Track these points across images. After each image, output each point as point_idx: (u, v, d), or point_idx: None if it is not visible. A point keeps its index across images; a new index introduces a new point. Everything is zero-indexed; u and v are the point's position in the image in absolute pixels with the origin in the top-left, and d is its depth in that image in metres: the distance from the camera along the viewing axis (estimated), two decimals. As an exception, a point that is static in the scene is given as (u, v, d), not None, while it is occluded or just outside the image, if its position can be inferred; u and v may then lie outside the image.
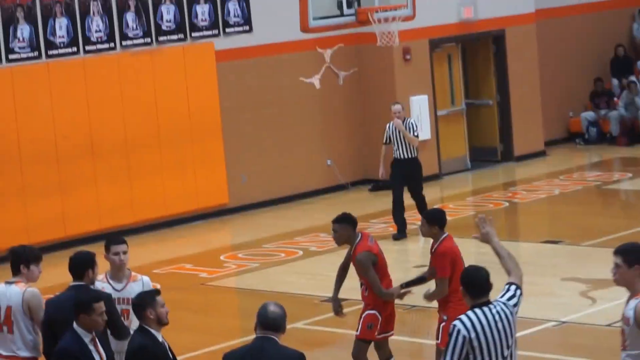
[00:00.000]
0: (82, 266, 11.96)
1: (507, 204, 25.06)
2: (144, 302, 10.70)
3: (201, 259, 21.56)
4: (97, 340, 10.65)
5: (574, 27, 31.08)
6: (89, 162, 23.11)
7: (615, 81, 31.73)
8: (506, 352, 9.61)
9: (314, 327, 16.72)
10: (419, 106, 26.87)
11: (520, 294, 9.90)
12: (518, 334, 15.33)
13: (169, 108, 24.12)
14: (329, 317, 16.64)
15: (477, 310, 9.47)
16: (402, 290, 13.36)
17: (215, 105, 24.82)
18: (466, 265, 11.13)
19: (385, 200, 24.98)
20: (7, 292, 11.87)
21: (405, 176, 21.90)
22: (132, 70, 23.72)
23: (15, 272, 11.90)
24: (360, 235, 13.42)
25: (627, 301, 9.63)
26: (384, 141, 22.17)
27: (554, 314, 16.32)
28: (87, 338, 10.52)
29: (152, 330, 10.42)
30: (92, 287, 11.78)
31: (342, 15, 19.75)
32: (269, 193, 25.63)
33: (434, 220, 13.12)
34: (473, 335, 9.29)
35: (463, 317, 9.42)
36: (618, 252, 9.98)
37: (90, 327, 10.56)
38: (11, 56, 22.43)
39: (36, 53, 22.70)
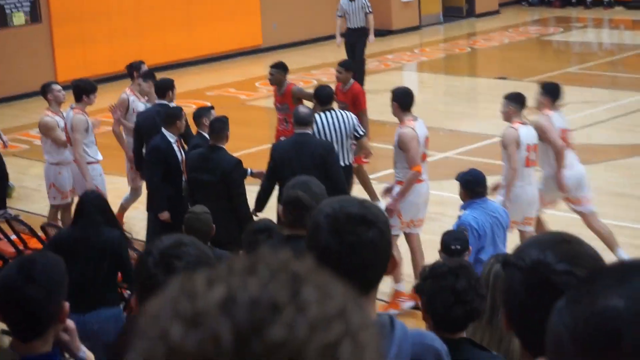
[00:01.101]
0: (164, 88, 12.06)
1: (469, 49, 24.99)
2: (202, 112, 10.88)
3: (241, 85, 21.60)
4: (179, 142, 10.80)
5: None
6: (159, 10, 22.97)
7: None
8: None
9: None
10: (406, -26, 26.55)
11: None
12: (474, 145, 15.54)
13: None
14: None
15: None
16: None
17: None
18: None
19: (379, 45, 24.91)
20: (69, 115, 11.82)
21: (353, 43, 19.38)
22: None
23: (78, 99, 11.77)
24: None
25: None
26: (338, 14, 19.44)
27: (501, 131, 16.35)
28: (172, 139, 10.66)
29: (205, 134, 10.59)
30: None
31: None
32: (294, 37, 25.51)
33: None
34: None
35: None
36: (505, 97, 10.39)
37: (176, 132, 10.71)
38: None
39: None
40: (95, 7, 21.93)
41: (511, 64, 22.69)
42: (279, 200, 9.42)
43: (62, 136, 12.04)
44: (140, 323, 1.25)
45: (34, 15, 21.34)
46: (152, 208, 10.71)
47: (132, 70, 13.10)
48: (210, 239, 8.03)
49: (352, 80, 13.24)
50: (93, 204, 8.24)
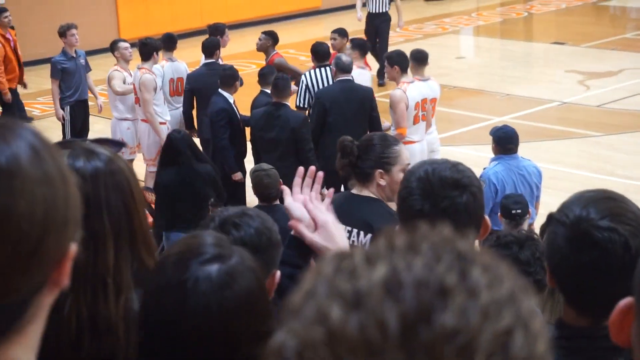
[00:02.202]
0: (212, 47, 12.20)
1: (525, 14, 24.88)
2: (267, 71, 11.01)
3: (301, 46, 21.68)
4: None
5: None
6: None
7: None
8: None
9: (381, 99, 16.93)
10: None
11: None
12: (531, 110, 15.60)
13: None
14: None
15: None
16: None
17: None
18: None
19: (437, 8, 24.88)
20: (136, 75, 11.87)
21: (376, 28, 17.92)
22: None
23: (146, 58, 11.79)
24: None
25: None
26: None
27: (558, 96, 16.42)
28: (232, 100, 10.81)
29: (268, 91, 10.65)
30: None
31: None
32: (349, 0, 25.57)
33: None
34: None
35: None
36: (385, 57, 10.81)
37: (234, 92, 10.83)
38: None
39: None
40: (157, -35, 22.11)
41: (567, 29, 22.59)
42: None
43: (120, 88, 12.20)
44: (292, 301, 1.15)
45: (97, -26, 21.56)
46: (225, 168, 10.68)
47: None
48: (279, 195, 8.12)
49: (274, 51, 12.84)
50: (183, 140, 9.22)
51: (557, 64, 18.88)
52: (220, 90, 10.75)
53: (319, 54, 11.43)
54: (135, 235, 2.33)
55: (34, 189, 1.38)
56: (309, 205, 2.82)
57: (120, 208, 2.30)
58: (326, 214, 2.80)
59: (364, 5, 18.13)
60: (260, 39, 12.95)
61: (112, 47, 12.51)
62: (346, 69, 10.45)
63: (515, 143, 8.98)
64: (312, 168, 2.91)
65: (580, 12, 24.60)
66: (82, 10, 20.87)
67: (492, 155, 9.13)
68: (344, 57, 10.71)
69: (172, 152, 9.17)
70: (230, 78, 10.81)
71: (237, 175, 10.64)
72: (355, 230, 5.20)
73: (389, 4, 17.63)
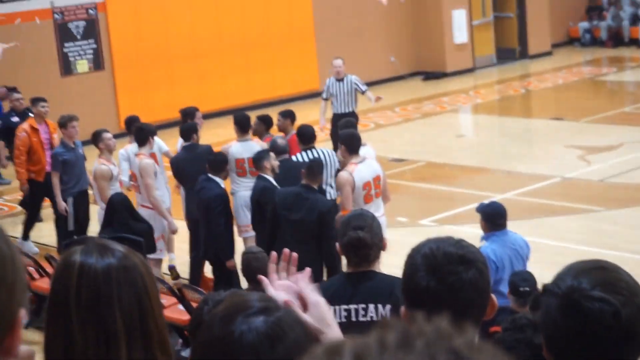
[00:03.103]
0: (189, 131, 12.16)
1: (523, 90, 25.00)
2: (262, 155, 10.99)
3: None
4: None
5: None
6: (218, 56, 23.24)
7: (605, -1, 31.27)
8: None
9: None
10: (459, 17, 26.69)
11: None
12: (532, 186, 15.53)
13: (275, 18, 24.10)
14: (394, 172, 16.79)
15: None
16: None
17: (309, 16, 24.77)
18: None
19: (435, 88, 25.03)
20: (134, 161, 11.77)
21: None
22: (250, -10, 23.69)
23: (142, 143, 11.67)
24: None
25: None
26: (323, 96, 16.79)
27: (559, 171, 16.39)
28: (223, 184, 10.85)
29: (266, 176, 10.69)
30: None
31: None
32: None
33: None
34: None
35: None
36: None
37: (224, 177, 10.86)
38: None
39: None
40: (156, 53, 22.28)
41: (566, 105, 22.67)
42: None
43: (108, 187, 11.84)
44: None
45: (97, 63, 21.73)
46: (220, 255, 10.72)
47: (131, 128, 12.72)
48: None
49: (293, 131, 12.71)
50: (120, 202, 10.38)
51: (557, 139, 18.88)
52: (210, 175, 10.75)
53: (305, 136, 11.53)
54: (150, 334, 2.30)
55: None
56: (297, 286, 2.76)
57: (134, 305, 2.28)
58: (317, 295, 2.75)
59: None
60: (279, 119, 13.05)
61: (96, 138, 12.03)
62: (282, 150, 11.24)
63: (505, 218, 8.93)
64: (286, 251, 2.86)
65: (578, 88, 24.71)
66: (83, 99, 20.96)
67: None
68: (279, 140, 11.37)
69: (110, 212, 10.33)
70: (221, 163, 10.86)
71: (232, 262, 10.61)
72: (371, 306, 5.28)
73: (355, 102, 16.35)
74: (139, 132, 11.78)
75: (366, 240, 5.68)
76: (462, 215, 14.22)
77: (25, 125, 13.91)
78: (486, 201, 9.69)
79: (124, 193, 11.38)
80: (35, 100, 14.31)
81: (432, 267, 2.79)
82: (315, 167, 10.03)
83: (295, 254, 2.88)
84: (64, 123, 12.87)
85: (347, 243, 5.76)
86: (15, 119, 15.29)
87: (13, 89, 16.31)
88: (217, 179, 10.75)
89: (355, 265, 5.86)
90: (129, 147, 12.43)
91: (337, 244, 5.94)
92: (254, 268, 8.06)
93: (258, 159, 10.92)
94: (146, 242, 9.94)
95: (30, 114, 14.58)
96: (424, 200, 15.60)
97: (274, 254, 2.85)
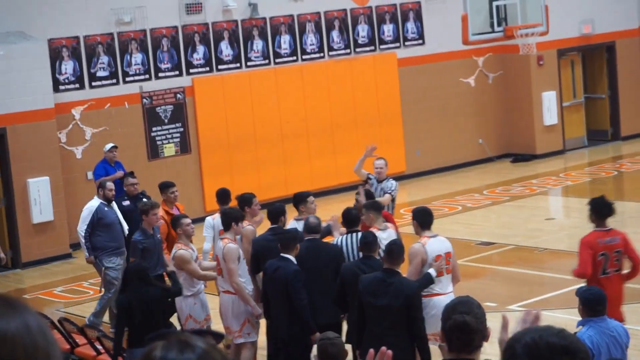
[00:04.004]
0: (277, 214, 12.06)
1: (615, 172, 24.53)
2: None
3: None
4: None
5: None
6: (304, 139, 23.29)
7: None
8: None
9: (470, 263, 16.60)
10: (549, 99, 26.46)
11: None
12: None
13: (362, 100, 24.16)
14: (481, 256, 16.52)
15: None
16: None
17: (396, 99, 24.77)
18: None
19: (524, 170, 24.72)
20: (219, 245, 11.70)
21: None
22: (336, 73, 23.79)
23: (227, 228, 11.69)
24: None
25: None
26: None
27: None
28: (295, 261, 10.80)
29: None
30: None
31: (493, 31, 19.54)
32: (436, 163, 25.51)
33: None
34: None
35: None
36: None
37: (295, 254, 10.81)
38: (249, 63, 22.71)
39: (266, 61, 22.93)
40: (241, 136, 22.41)
41: (660, 187, 22.18)
42: None
43: (198, 269, 12.02)
44: None
45: (184, 146, 21.89)
46: (302, 330, 10.72)
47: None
48: None
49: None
50: (132, 271, 11.05)
51: (651, 223, 18.42)
52: (282, 254, 10.81)
53: (348, 219, 11.67)
54: None
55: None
56: None
57: None
58: None
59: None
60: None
61: (175, 224, 12.39)
62: (313, 230, 11.33)
63: (604, 305, 8.73)
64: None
65: (672, 170, 24.20)
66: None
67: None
68: (312, 219, 11.49)
69: (124, 282, 11.21)
70: (291, 241, 10.83)
71: (317, 335, 10.40)
72: None
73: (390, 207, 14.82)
74: (224, 216, 11.83)
75: (472, 325, 5.61)
76: (553, 301, 13.83)
77: (160, 212, 13.66)
78: (584, 285, 9.37)
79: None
80: (165, 187, 14.46)
81: (535, 358, 2.72)
82: (395, 249, 9.88)
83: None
84: (146, 210, 12.91)
85: (452, 326, 5.66)
86: (126, 202, 15.06)
87: (130, 174, 16.29)
88: (290, 257, 10.75)
89: (457, 350, 5.76)
90: (216, 217, 12.91)
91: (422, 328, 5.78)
92: (331, 354, 7.90)
93: (286, 239, 11.04)
94: (165, 306, 10.99)
95: (144, 199, 14.55)
96: (513, 285, 15.25)
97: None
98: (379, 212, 11.97)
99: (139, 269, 11.02)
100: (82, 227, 14.28)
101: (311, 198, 12.87)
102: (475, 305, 5.91)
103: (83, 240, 14.25)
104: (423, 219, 10.97)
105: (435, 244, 10.80)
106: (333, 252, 11.28)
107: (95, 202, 14.38)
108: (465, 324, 5.65)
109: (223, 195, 13.67)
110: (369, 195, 13.44)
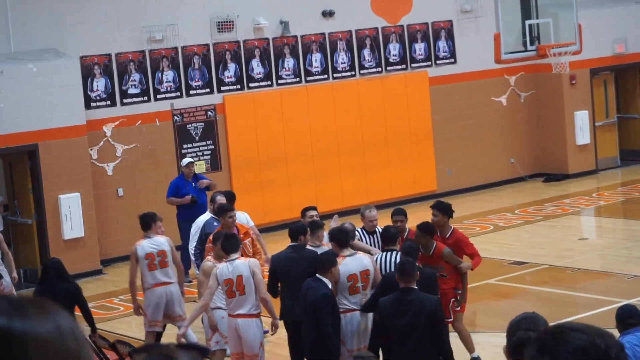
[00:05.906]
0: (297, 232, 11.92)
1: (649, 192, 24.39)
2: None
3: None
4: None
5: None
6: (335, 157, 23.30)
7: None
8: None
9: (502, 282, 16.53)
10: (582, 119, 26.33)
11: None
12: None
13: (394, 119, 24.15)
14: (513, 275, 16.44)
15: None
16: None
17: (427, 118, 24.75)
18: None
19: (556, 189, 24.60)
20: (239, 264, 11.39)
21: None
22: (367, 92, 23.81)
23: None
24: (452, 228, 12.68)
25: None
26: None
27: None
28: (330, 285, 10.67)
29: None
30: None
31: (526, 50, 19.47)
32: (467, 182, 25.44)
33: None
34: None
35: None
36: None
37: (331, 277, 10.71)
38: (280, 81, 22.77)
39: (298, 79, 22.98)
40: (272, 154, 22.44)
41: (694, 208, 21.99)
42: None
43: (208, 285, 11.95)
44: None
45: (214, 163, 21.95)
46: (328, 356, 10.62)
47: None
48: None
49: (452, 227, 12.70)
50: (52, 264, 12.15)
51: (685, 243, 18.26)
52: (318, 275, 10.72)
53: (386, 238, 11.76)
54: None
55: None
56: None
57: None
58: None
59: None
60: (435, 215, 12.73)
61: (214, 241, 12.25)
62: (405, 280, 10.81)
63: (636, 318, 8.93)
64: None
65: None
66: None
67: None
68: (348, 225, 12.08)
69: (42, 275, 12.15)
70: (328, 263, 10.73)
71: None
72: None
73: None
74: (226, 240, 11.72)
75: None
76: (586, 321, 13.71)
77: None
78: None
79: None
80: (222, 211, 13.47)
81: None
82: (407, 266, 9.83)
83: None
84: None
85: (517, 342, 5.55)
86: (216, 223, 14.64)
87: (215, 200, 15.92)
88: (325, 280, 10.66)
89: None
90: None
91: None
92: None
93: (322, 262, 10.94)
94: (71, 301, 11.56)
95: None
96: (545, 305, 15.15)
97: None
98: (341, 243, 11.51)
99: (56, 264, 12.09)
100: (191, 245, 14.10)
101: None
102: (542, 322, 5.85)
103: (193, 259, 14.02)
104: (340, 238, 11.24)
105: (350, 263, 11.00)
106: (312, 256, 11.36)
107: (204, 217, 14.20)
108: (529, 341, 5.63)
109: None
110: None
